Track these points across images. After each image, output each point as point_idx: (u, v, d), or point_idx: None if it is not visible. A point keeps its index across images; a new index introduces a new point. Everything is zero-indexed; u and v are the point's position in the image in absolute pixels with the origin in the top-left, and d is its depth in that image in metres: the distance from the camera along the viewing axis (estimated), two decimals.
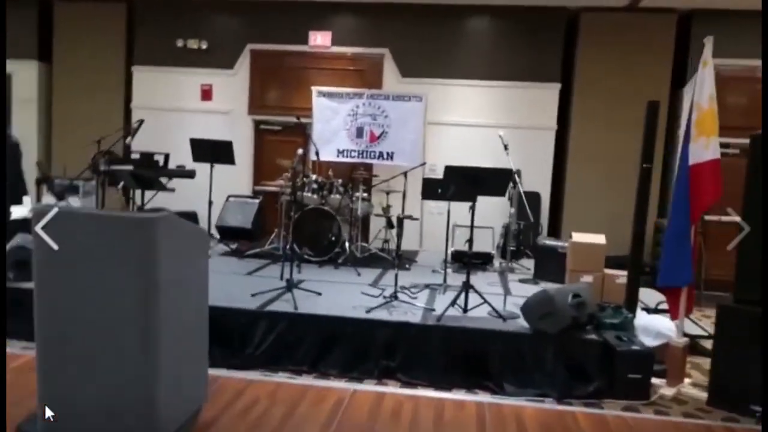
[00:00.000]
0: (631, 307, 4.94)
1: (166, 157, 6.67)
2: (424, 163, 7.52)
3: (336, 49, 8.43)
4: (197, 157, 6.94)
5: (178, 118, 8.67)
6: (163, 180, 6.48)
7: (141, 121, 6.40)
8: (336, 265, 6.61)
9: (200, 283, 3.18)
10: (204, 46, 8.62)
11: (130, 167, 6.05)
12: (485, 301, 4.93)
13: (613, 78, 7.84)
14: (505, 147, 5.95)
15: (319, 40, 8.45)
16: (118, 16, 8.69)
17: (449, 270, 6.12)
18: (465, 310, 4.92)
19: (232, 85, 8.65)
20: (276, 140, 8.72)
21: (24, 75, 8.66)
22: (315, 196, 6.91)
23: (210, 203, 6.90)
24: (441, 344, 4.53)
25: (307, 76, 8.48)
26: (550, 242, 6.74)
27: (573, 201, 8.13)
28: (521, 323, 4.69)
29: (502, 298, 5.08)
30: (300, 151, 5.91)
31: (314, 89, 8.18)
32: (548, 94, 8.07)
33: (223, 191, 7.99)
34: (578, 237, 5.98)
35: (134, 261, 2.71)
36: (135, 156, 6.53)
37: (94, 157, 5.95)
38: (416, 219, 6.79)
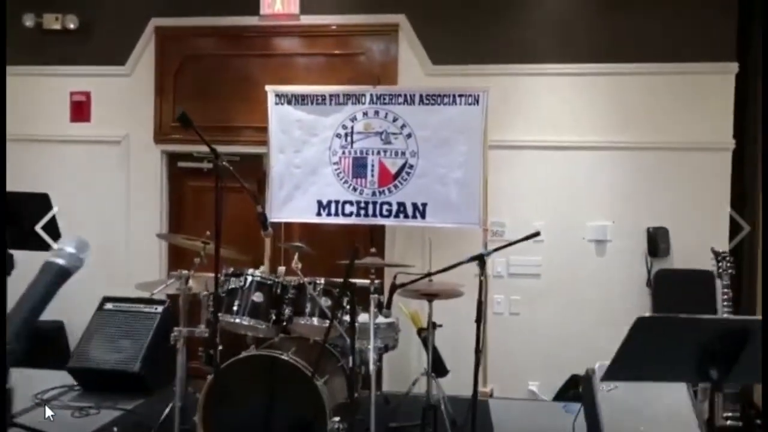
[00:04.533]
0: None
1: None
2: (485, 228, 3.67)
3: (310, 19, 4.64)
4: None
5: (27, 153, 4.77)
6: None
7: None
8: None
9: None
10: (72, 26, 4.79)
11: None
12: None
13: None
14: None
15: (279, 5, 4.66)
16: None
17: None
18: None
19: (126, 92, 4.78)
20: (206, 187, 4.75)
21: None
22: (262, 324, 2.94)
23: None
24: None
25: (259, 70, 4.65)
26: None
27: None
28: None
29: None
30: (259, 208, 2.12)
31: (271, 91, 4.34)
32: (715, 83, 4.29)
33: (100, 287, 4.11)
34: None
35: None
36: None
37: None
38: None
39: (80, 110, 4.85)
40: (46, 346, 4.42)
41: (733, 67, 4.24)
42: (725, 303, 3.03)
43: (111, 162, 4.79)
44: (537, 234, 2.78)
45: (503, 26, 4.46)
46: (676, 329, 1.58)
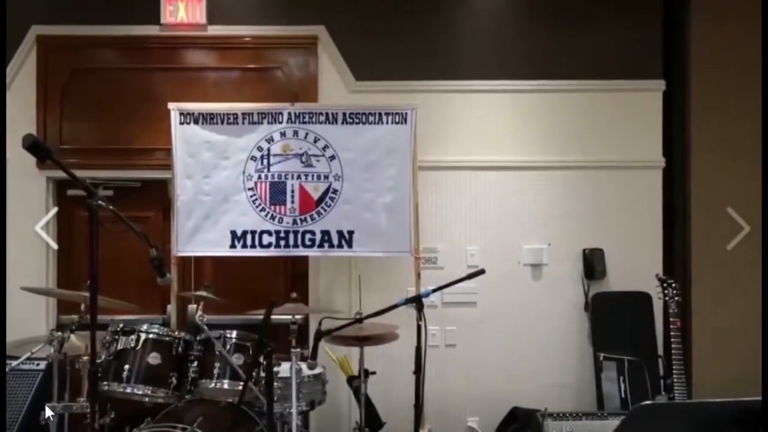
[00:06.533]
0: None
1: None
2: (417, 256, 3.36)
3: (219, 30, 4.18)
4: None
5: None
6: None
7: None
8: None
9: None
10: None
11: None
12: None
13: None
14: None
15: (182, 14, 4.18)
16: None
17: None
18: None
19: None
20: (104, 217, 4.13)
21: None
22: (159, 391, 2.46)
23: None
24: None
25: (162, 86, 4.13)
26: None
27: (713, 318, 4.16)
28: None
29: None
30: (153, 252, 1.62)
31: (174, 109, 3.84)
32: (644, 100, 4.21)
33: None
34: None
35: None
36: None
37: None
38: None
39: None
40: None
41: (661, 84, 4.18)
42: (674, 333, 2.86)
43: None
44: (482, 272, 2.48)
45: (431, 40, 4.19)
46: (681, 417, 1.29)
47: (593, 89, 4.18)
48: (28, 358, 2.56)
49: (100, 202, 1.91)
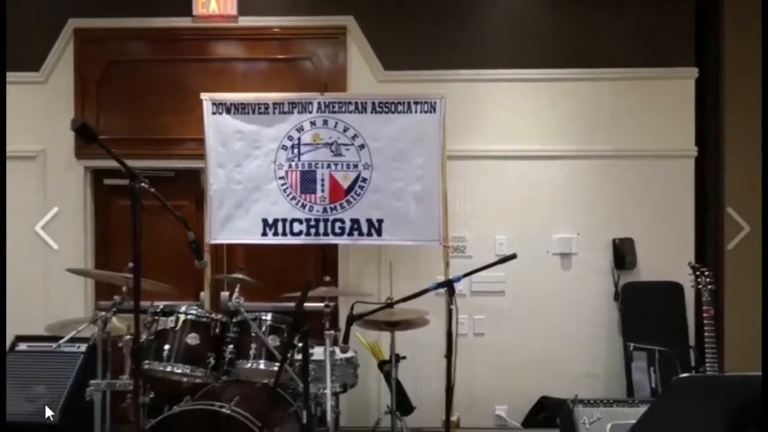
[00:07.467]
0: None
1: None
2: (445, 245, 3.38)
3: (250, 21, 4.24)
4: None
5: None
6: None
7: None
8: None
9: None
10: None
11: None
12: None
13: None
14: None
15: (214, 6, 4.24)
16: None
17: None
18: None
19: (41, 102, 4.24)
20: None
21: None
22: (198, 371, 2.52)
23: None
24: None
25: (194, 77, 4.21)
26: None
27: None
28: None
29: None
30: (191, 236, 1.67)
31: (207, 99, 3.91)
32: (676, 88, 4.16)
33: (14, 324, 3.60)
34: None
35: None
36: None
37: None
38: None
39: None
40: None
41: (693, 71, 4.12)
42: (707, 322, 2.83)
43: (25, 181, 4.23)
44: (514, 256, 2.49)
45: (460, 29, 4.19)
46: (717, 389, 1.30)
47: (624, 77, 4.14)
48: (72, 339, 2.65)
49: (142, 184, 1.97)
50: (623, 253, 4.05)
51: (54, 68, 4.24)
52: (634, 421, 2.07)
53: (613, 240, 4.10)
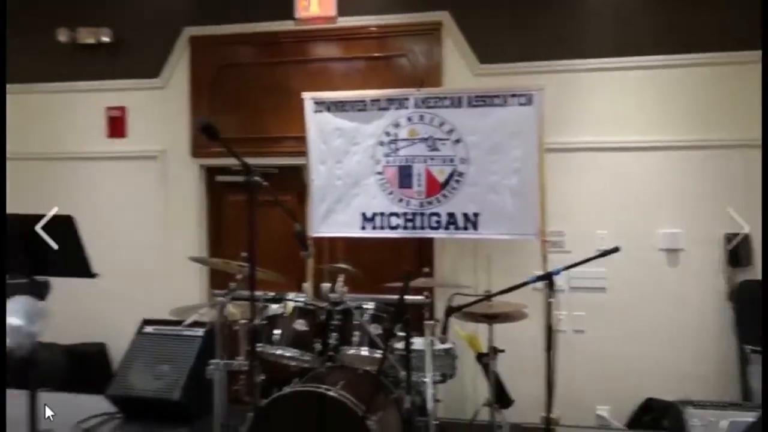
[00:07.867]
0: None
1: None
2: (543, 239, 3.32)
3: (348, 21, 4.39)
4: None
5: (66, 171, 4.68)
6: None
7: None
8: None
9: None
10: (106, 39, 4.66)
11: None
12: None
13: None
14: None
15: (315, 7, 4.43)
16: None
17: None
18: None
19: (161, 105, 4.63)
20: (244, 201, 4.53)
21: None
22: (306, 355, 2.67)
23: None
24: None
25: (296, 77, 4.42)
26: None
27: None
28: None
29: None
30: (298, 227, 1.85)
31: (308, 98, 4.10)
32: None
33: (138, 309, 3.96)
34: None
35: None
36: None
37: None
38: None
39: (116, 126, 4.72)
40: (88, 369, 4.29)
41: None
42: None
43: (148, 178, 4.64)
44: (616, 249, 2.43)
45: (554, 19, 4.11)
46: None
47: (730, 62, 3.87)
48: (193, 323, 2.90)
49: (256, 178, 2.12)
50: (737, 249, 3.80)
51: (172, 74, 4.61)
52: (752, 419, 1.95)
53: (726, 235, 3.85)
